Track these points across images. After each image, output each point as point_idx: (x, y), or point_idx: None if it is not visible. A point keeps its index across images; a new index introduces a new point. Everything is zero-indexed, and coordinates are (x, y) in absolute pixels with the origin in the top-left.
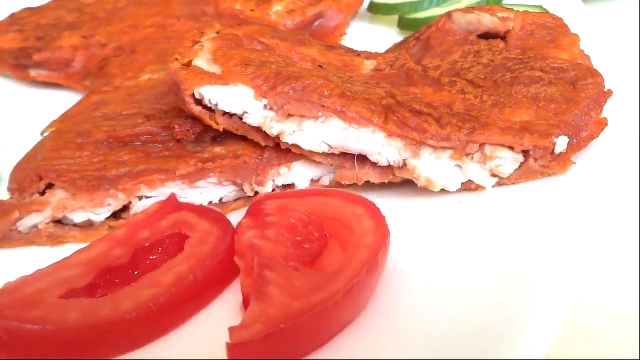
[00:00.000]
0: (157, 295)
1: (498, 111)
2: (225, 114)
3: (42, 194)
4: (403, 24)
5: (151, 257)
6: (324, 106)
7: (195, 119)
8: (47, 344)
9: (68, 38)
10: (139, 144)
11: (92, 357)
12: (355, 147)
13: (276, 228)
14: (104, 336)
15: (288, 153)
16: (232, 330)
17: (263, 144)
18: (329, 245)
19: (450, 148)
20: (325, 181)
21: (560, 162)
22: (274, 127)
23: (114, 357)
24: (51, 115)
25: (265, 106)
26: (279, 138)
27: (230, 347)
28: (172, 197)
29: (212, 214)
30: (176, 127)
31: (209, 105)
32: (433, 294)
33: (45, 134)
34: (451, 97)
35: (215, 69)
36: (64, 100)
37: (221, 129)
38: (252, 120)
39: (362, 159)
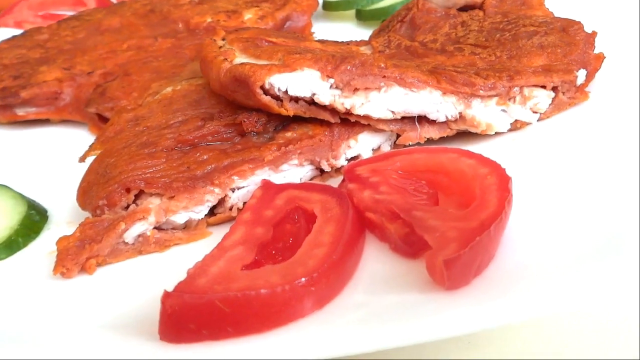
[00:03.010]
0: (330, 251)
1: (516, 62)
2: (291, 99)
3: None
4: (362, 16)
5: (288, 230)
6: (384, 76)
7: (257, 111)
8: (263, 308)
9: (48, 72)
10: (206, 144)
11: (302, 314)
12: (416, 109)
13: (386, 185)
14: (307, 290)
15: (354, 126)
16: (431, 254)
17: (332, 120)
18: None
19: (496, 95)
20: (385, 147)
21: (581, 92)
22: (344, 102)
23: (321, 308)
24: (58, 149)
25: (332, 85)
26: (348, 112)
27: (446, 262)
28: (267, 182)
29: (316, 186)
30: (245, 120)
31: (277, 94)
32: (543, 211)
33: (90, 157)
34: (467, 59)
35: (262, 63)
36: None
37: (291, 114)
38: (322, 99)
39: (419, 119)
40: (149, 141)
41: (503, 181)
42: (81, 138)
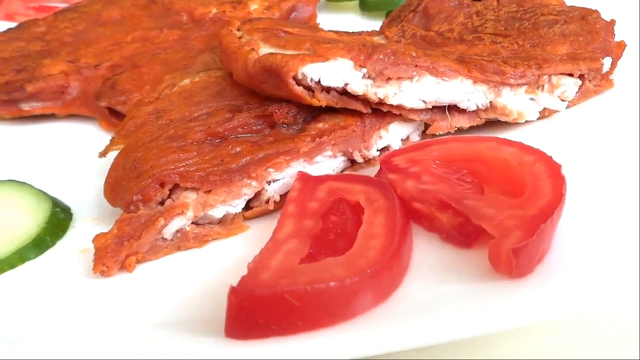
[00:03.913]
0: (387, 242)
1: (540, 50)
2: (322, 89)
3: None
4: (366, 7)
5: (335, 222)
6: (416, 65)
7: (287, 102)
8: (332, 301)
9: (52, 65)
10: (236, 136)
11: (368, 307)
12: (447, 98)
13: (428, 174)
14: (373, 282)
15: (385, 116)
16: (495, 242)
17: (364, 111)
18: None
19: (525, 84)
20: (414, 137)
21: (606, 80)
22: (377, 92)
23: (385, 300)
24: (68, 145)
25: (364, 75)
26: (381, 102)
27: (515, 250)
28: (304, 174)
29: (356, 177)
30: (276, 111)
31: (309, 84)
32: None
33: (113, 152)
34: (489, 48)
35: (292, 53)
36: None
37: (323, 105)
38: (355, 89)
39: (449, 108)
40: (177, 134)
41: (554, 168)
42: (90, 133)
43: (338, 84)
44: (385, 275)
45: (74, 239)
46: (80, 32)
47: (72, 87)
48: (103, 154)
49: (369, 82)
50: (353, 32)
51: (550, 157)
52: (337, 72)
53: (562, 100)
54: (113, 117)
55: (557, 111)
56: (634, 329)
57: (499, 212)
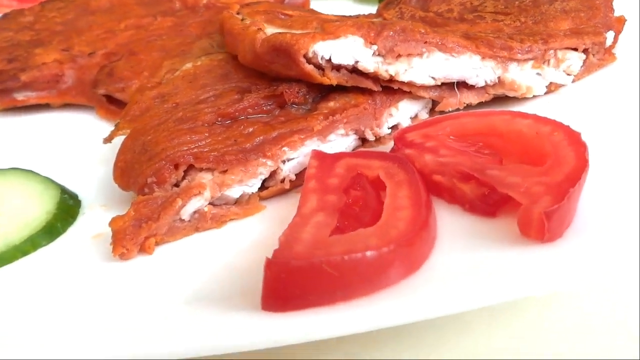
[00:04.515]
0: (415, 213)
1: (543, 26)
2: (333, 68)
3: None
4: None
5: (357, 196)
6: (426, 42)
7: (297, 81)
8: (369, 270)
9: (45, 54)
10: (246, 117)
11: (403, 276)
12: (456, 74)
13: (445, 148)
14: (406, 251)
15: (395, 94)
16: (525, 208)
17: (375, 88)
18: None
19: (532, 59)
20: (423, 115)
21: (609, 54)
22: (388, 69)
23: (419, 269)
24: (66, 134)
25: (374, 52)
26: (391, 80)
27: (547, 214)
28: (319, 152)
29: (372, 153)
30: (286, 90)
31: (319, 63)
32: None
33: (119, 137)
34: (492, 25)
35: (300, 32)
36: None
37: (334, 83)
38: (366, 66)
39: (457, 84)
40: (186, 116)
41: (573, 136)
42: (87, 121)
43: (349, 61)
44: (417, 245)
45: (85, 226)
46: (70, 21)
47: (67, 76)
48: (108, 139)
49: (380, 59)
50: (349, 16)
51: (568, 126)
52: (348, 50)
53: (568, 74)
54: (111, 104)
55: (563, 85)
56: (633, 329)
57: (524, 179)
